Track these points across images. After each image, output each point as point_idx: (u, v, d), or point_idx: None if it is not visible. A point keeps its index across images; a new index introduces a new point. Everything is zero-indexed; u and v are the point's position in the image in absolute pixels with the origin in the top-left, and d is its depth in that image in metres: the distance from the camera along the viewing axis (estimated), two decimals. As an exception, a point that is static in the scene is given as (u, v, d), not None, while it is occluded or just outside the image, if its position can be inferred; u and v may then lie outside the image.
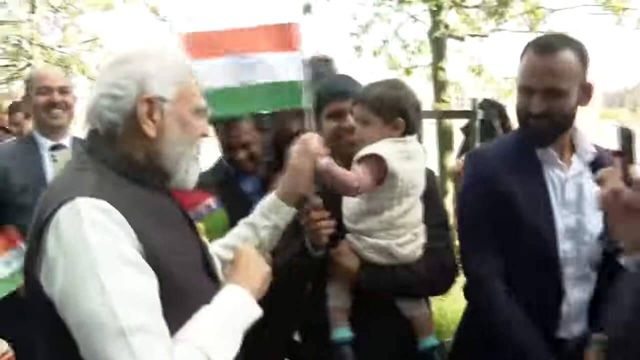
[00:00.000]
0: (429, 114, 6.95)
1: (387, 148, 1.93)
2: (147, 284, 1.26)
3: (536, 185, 1.96)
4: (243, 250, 1.62)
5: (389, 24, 11.65)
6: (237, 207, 2.10)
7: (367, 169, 1.91)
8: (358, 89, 2.14)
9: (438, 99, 9.42)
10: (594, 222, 1.96)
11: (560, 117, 1.92)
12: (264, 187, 2.43)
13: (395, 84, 2.06)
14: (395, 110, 1.96)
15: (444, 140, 8.60)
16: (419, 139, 2.04)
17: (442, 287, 2.16)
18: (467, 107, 5.70)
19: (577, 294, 1.97)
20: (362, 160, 1.94)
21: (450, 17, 9.99)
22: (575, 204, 1.97)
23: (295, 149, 1.89)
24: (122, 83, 1.41)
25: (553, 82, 1.86)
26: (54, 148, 2.99)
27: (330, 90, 2.19)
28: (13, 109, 5.15)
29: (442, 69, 9.68)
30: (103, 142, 1.43)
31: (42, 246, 1.26)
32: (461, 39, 9.73)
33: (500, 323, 1.96)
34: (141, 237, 1.28)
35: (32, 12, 14.49)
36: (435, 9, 9.31)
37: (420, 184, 2.02)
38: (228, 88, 2.06)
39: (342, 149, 2.08)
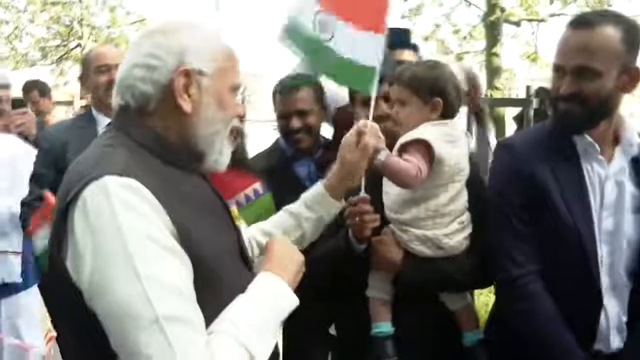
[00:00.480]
0: (482, 101, 6.77)
1: (431, 132, 1.87)
2: (182, 270, 1.19)
3: (574, 181, 1.79)
4: (277, 239, 1.55)
5: (441, 7, 11.52)
6: (289, 193, 1.99)
7: (419, 155, 1.84)
8: (391, 73, 2.04)
9: (491, 86, 9.19)
10: (633, 226, 1.80)
11: (594, 101, 1.71)
12: (320, 171, 2.33)
13: (434, 64, 2.00)
14: (433, 90, 1.90)
15: (496, 129, 8.21)
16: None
17: (488, 280, 2.05)
18: (519, 95, 5.57)
19: (614, 304, 1.81)
20: (407, 147, 1.87)
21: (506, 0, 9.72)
22: (614, 205, 1.80)
23: (347, 139, 1.78)
24: (158, 53, 1.32)
25: (585, 59, 1.68)
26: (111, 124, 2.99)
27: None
28: (28, 88, 5.24)
29: (496, 55, 9.47)
30: (133, 118, 1.34)
31: (68, 228, 1.18)
32: (517, 24, 9.48)
33: (540, 333, 1.80)
34: (174, 219, 1.20)
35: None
36: (490, -10, 9.02)
37: (466, 169, 1.95)
38: (305, 30, 1.96)
39: None
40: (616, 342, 1.81)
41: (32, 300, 3.37)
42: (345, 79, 2.07)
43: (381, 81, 2.02)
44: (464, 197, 1.95)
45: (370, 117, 1.88)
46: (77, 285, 1.17)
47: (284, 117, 2.48)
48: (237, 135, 2.29)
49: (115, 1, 15.45)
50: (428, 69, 1.94)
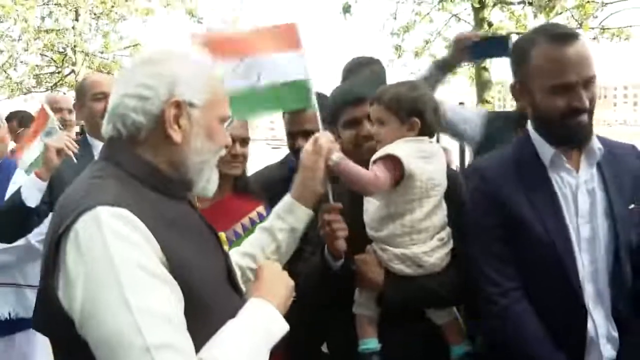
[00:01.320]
0: None
1: (402, 148, 1.90)
2: (172, 299, 1.20)
3: (544, 194, 1.82)
4: (266, 264, 1.58)
5: (431, 23, 11.56)
6: None
7: (383, 167, 1.87)
8: (374, 92, 2.09)
9: (481, 99, 9.36)
10: (607, 232, 1.81)
11: (593, 107, 1.78)
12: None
13: (413, 85, 2.04)
14: (411, 111, 1.94)
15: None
16: (437, 140, 1.97)
17: (472, 296, 2.01)
18: (511, 107, 5.57)
19: (600, 312, 1.80)
20: (377, 161, 1.91)
21: (494, 14, 9.79)
22: (589, 213, 1.82)
23: (306, 147, 1.84)
24: (151, 83, 1.35)
25: (592, 69, 1.74)
26: None
27: (344, 97, 2.15)
28: (8, 118, 5.21)
29: (485, 69, 9.56)
30: (124, 147, 1.37)
31: (60, 259, 1.19)
32: (508, 36, 9.50)
33: (529, 356, 1.79)
34: (165, 248, 1.22)
35: (76, 19, 14.97)
36: (478, 6, 9.10)
37: (441, 185, 1.96)
38: (239, 89, 2.01)
39: (362, 156, 2.02)
40: (608, 350, 1.80)
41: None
42: (282, 104, 2.10)
43: (363, 102, 2.07)
44: (442, 213, 1.97)
45: (320, 128, 1.94)
46: (69, 315, 1.18)
47: (291, 136, 2.55)
48: (244, 160, 2.38)
49: (107, 27, 15.64)
50: (408, 90, 1.98)
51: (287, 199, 1.81)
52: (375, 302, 2.00)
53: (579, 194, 1.82)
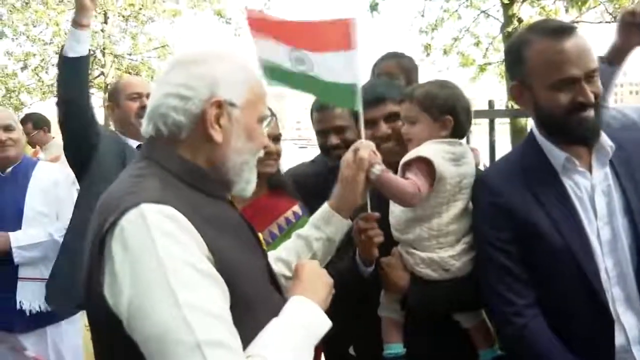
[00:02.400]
0: (503, 113, 6.64)
1: (432, 150, 1.88)
2: (220, 295, 1.21)
3: (558, 200, 1.74)
4: (305, 263, 1.57)
5: (460, 20, 11.46)
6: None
7: (420, 174, 1.85)
8: (394, 92, 2.09)
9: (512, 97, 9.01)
10: (627, 230, 1.73)
11: (599, 101, 1.71)
12: None
13: (445, 83, 2.01)
14: (444, 108, 1.92)
15: (519, 139, 7.97)
16: (467, 140, 1.90)
17: None
18: None
19: (631, 316, 1.72)
20: (409, 165, 1.88)
21: (524, 10, 9.65)
22: (607, 214, 1.74)
23: (345, 156, 1.83)
24: (192, 84, 1.37)
25: (592, 62, 1.67)
26: (140, 147, 3.07)
27: (362, 97, 2.08)
28: (23, 121, 5.56)
29: None
30: (165, 146, 1.39)
31: (105, 256, 1.20)
32: None
33: None
34: (210, 245, 1.23)
35: (105, 22, 15.23)
36: (507, 2, 8.99)
37: (469, 187, 1.93)
38: (284, 68, 2.00)
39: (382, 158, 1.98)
40: None
41: (74, 328, 3.40)
42: (328, 97, 2.10)
43: (382, 102, 2.06)
44: (469, 216, 1.93)
45: (363, 135, 1.90)
46: (115, 313, 1.18)
47: (322, 134, 2.53)
48: (278, 157, 2.38)
49: (136, 29, 15.88)
50: (440, 88, 1.96)
51: (325, 208, 1.81)
52: (400, 305, 1.99)
53: (596, 196, 1.75)
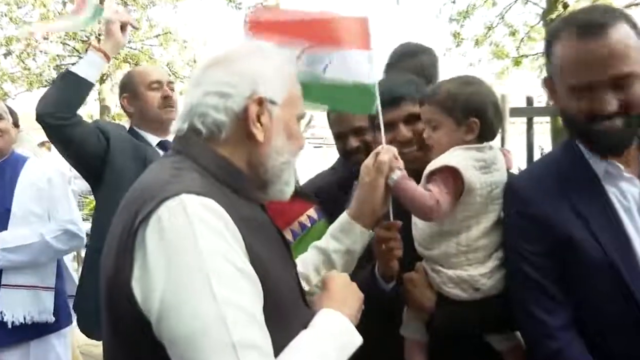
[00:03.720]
0: (543, 111, 6.75)
1: (460, 158, 1.85)
2: (257, 297, 1.26)
3: (600, 210, 1.71)
4: (334, 275, 1.64)
5: (494, 7, 11.42)
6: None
7: (443, 185, 1.83)
8: (413, 90, 2.08)
9: None
10: None
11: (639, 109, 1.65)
12: None
13: (469, 80, 1.98)
14: (468, 109, 1.89)
15: (561, 139, 8.02)
16: (502, 142, 1.87)
17: None
18: None
19: None
20: (434, 175, 1.86)
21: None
22: None
23: (365, 162, 1.86)
24: (233, 81, 1.43)
25: (625, 66, 1.61)
26: (160, 144, 3.17)
27: (379, 97, 2.08)
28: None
29: None
30: (203, 144, 1.45)
31: (137, 249, 1.23)
32: None
33: None
34: (248, 246, 1.29)
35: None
36: (550, -15, 8.92)
37: (501, 198, 1.91)
38: (301, 76, 1.94)
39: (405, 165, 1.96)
40: None
41: (63, 344, 3.38)
42: (344, 104, 2.12)
43: (399, 103, 2.06)
44: (500, 229, 1.91)
45: (383, 139, 1.91)
46: (143, 312, 1.21)
47: (340, 138, 2.52)
48: None
49: (135, 13, 15.88)
50: (463, 86, 1.93)
51: (343, 217, 1.84)
52: (425, 326, 1.98)
53: None
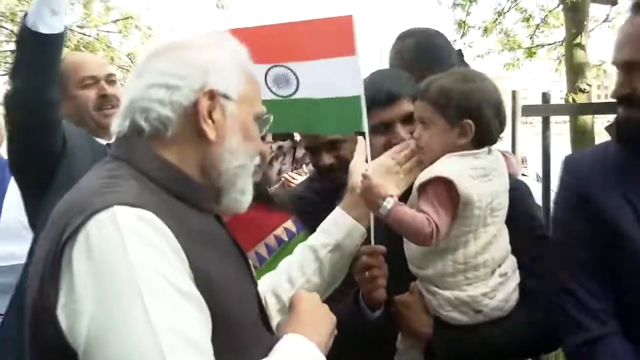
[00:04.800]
0: (560, 109, 6.58)
1: (454, 166, 1.89)
2: (200, 320, 1.25)
3: None
4: (303, 294, 1.66)
5: (506, -11, 11.68)
6: None
7: (436, 201, 1.87)
8: (410, 87, 2.10)
9: (573, 87, 9.04)
10: None
11: None
12: None
13: (467, 76, 2.00)
14: (462, 110, 1.91)
15: (582, 142, 8.20)
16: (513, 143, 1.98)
17: (551, 342, 2.07)
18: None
19: None
20: (425, 188, 1.90)
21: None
22: None
23: (352, 181, 1.95)
24: (181, 72, 1.44)
25: (630, 52, 1.77)
26: (110, 146, 3.07)
27: (374, 97, 2.12)
28: None
29: (580, 46, 9.25)
30: (143, 146, 1.44)
31: (63, 270, 1.22)
32: (613, 2, 9.08)
33: None
34: (193, 263, 1.28)
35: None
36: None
37: (503, 207, 1.98)
38: (273, 101, 2.08)
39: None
40: None
41: None
42: (325, 124, 2.16)
43: (396, 100, 2.08)
44: (503, 241, 1.98)
45: (368, 156, 1.96)
46: (69, 343, 1.21)
47: (312, 153, 2.59)
48: (263, 161, 2.33)
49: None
50: (459, 82, 1.95)
51: (336, 210, 1.91)
52: (422, 353, 2.02)
53: None
